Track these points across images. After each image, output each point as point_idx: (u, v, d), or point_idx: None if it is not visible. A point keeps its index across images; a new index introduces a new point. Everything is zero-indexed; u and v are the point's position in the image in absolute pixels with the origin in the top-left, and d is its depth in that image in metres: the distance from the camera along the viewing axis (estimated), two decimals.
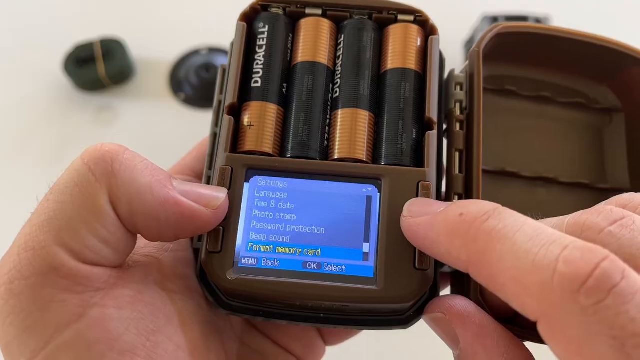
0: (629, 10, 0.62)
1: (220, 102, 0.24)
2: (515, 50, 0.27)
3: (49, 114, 0.55)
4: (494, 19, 0.53)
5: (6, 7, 0.62)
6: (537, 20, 0.54)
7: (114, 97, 0.56)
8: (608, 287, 0.14)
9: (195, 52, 0.58)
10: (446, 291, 0.24)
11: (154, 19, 0.61)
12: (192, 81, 0.56)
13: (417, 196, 0.21)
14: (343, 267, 0.20)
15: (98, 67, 0.54)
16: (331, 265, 0.20)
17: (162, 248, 0.21)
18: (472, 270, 0.17)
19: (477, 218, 0.17)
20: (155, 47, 0.59)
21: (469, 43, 0.55)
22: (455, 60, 0.57)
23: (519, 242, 0.16)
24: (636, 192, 0.26)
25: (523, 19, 0.53)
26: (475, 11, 0.56)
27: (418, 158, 0.22)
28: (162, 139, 0.54)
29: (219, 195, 0.20)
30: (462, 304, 0.19)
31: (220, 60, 0.57)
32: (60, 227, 0.17)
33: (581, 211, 0.18)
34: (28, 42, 0.59)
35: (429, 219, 0.19)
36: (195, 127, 0.55)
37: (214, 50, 0.58)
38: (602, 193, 0.27)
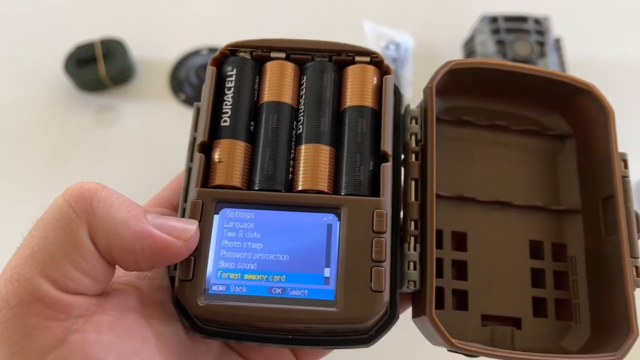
0: (627, 10, 0.63)
1: (194, 139, 0.26)
2: (469, 84, 0.29)
3: (49, 114, 0.55)
4: (494, 19, 0.54)
5: (7, 8, 0.62)
6: (536, 21, 0.54)
7: (115, 97, 0.56)
8: None
9: (195, 53, 0.59)
10: (408, 311, 0.26)
11: (155, 19, 0.61)
12: (193, 81, 0.56)
13: (372, 224, 0.23)
14: (306, 291, 0.22)
15: (99, 68, 0.54)
16: (295, 290, 0.22)
17: (140, 276, 0.23)
18: None
19: None
20: (156, 47, 0.59)
21: (468, 43, 0.56)
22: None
23: None
24: (586, 212, 0.28)
25: (522, 19, 0.54)
26: (475, 11, 0.56)
27: (375, 188, 0.24)
28: (162, 139, 0.55)
29: (190, 227, 0.22)
30: None
31: None
32: (44, 260, 0.19)
33: None
34: (29, 43, 0.60)
35: None
36: None
37: (214, 51, 0.58)
38: (556, 214, 0.29)
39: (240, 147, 0.24)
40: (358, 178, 0.24)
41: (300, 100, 0.26)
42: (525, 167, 0.30)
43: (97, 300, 0.20)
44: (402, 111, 0.27)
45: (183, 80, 0.57)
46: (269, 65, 0.26)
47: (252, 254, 0.23)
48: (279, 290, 0.22)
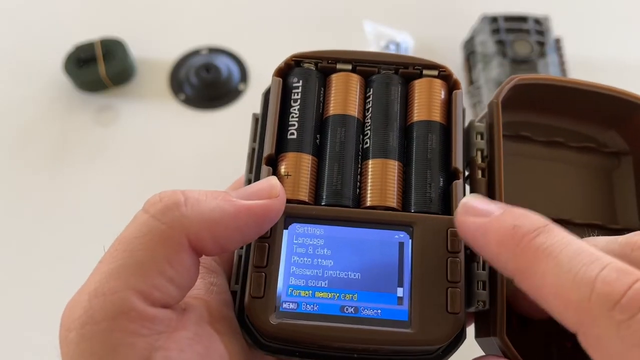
0: (627, 10, 0.63)
1: (253, 149, 0.25)
2: (529, 99, 0.28)
3: (49, 114, 0.55)
4: (494, 19, 0.54)
5: (7, 8, 0.62)
6: (536, 21, 0.54)
7: (115, 97, 0.56)
8: (639, 304, 0.15)
9: (195, 53, 0.58)
10: (470, 329, 0.25)
11: (155, 19, 0.61)
12: (193, 81, 0.56)
13: (447, 243, 0.22)
14: (379, 311, 0.22)
15: (99, 68, 0.54)
16: (368, 309, 0.22)
17: (208, 290, 0.22)
18: (517, 279, 0.19)
19: (528, 233, 0.18)
20: (156, 47, 0.59)
21: (468, 43, 0.56)
22: (453, 61, 0.57)
23: (562, 260, 0.17)
24: None
25: (522, 19, 0.54)
26: (474, 11, 0.56)
27: (445, 205, 0.23)
28: (162, 139, 0.54)
29: (273, 183, 0.22)
30: None
31: (221, 61, 0.57)
32: (131, 273, 0.18)
33: (637, 232, 0.20)
34: (29, 43, 0.59)
35: (483, 224, 0.20)
36: (195, 128, 0.55)
37: (214, 51, 0.59)
38: (614, 233, 0.28)
39: (307, 160, 0.24)
40: (429, 195, 0.23)
41: (367, 114, 0.25)
42: (582, 184, 0.29)
43: (177, 315, 0.20)
44: (465, 126, 0.27)
45: (183, 80, 0.57)
46: (335, 77, 0.25)
47: (323, 271, 0.22)
48: (352, 310, 0.22)
